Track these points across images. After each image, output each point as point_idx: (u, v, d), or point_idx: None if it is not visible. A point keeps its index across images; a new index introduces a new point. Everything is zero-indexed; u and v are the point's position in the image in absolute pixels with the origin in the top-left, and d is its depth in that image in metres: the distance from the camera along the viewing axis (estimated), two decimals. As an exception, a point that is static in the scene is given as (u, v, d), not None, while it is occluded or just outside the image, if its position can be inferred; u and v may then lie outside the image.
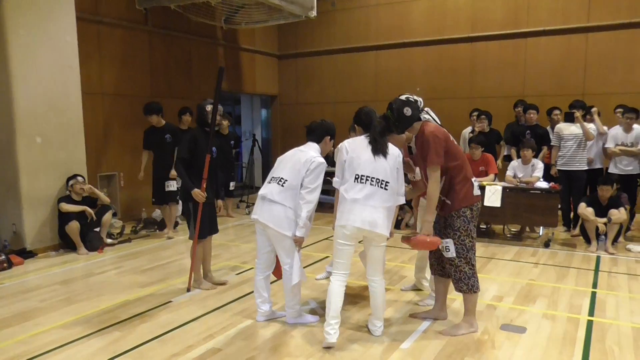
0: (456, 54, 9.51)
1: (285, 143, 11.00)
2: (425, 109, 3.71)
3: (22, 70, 5.81)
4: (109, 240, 6.49)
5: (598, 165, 6.99)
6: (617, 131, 6.81)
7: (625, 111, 6.82)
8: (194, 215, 4.55)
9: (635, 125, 6.71)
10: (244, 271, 5.33)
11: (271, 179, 3.76)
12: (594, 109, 6.78)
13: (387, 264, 4.72)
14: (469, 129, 7.84)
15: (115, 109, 7.83)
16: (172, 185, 6.82)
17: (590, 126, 6.70)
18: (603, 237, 6.12)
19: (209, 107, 4.55)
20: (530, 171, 6.54)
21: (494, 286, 4.79)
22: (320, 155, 3.73)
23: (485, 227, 7.12)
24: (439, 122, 3.73)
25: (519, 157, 6.79)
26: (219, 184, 4.92)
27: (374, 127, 3.56)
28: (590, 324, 3.89)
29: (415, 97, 3.65)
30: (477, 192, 3.62)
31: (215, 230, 4.85)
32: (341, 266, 3.52)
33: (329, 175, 3.79)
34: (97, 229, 6.30)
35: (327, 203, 5.13)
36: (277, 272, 3.97)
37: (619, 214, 5.97)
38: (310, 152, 3.71)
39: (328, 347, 3.44)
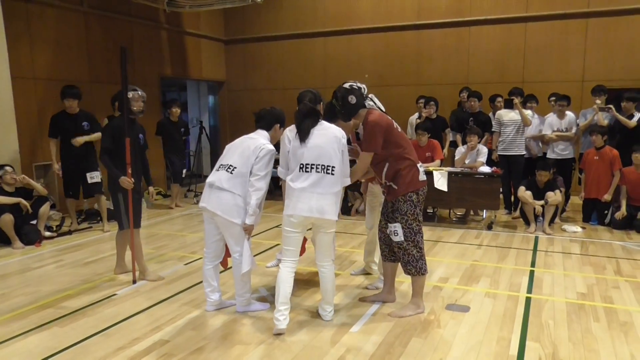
0: (402, 41, 9.64)
1: (233, 130, 10.83)
2: (370, 95, 3.75)
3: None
4: (47, 233, 6.18)
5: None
6: (552, 118, 7.19)
7: (558, 99, 7.23)
8: (125, 205, 4.43)
9: (567, 112, 7.10)
10: (192, 261, 5.23)
11: (219, 167, 3.69)
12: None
13: (337, 250, 4.78)
14: (416, 115, 8.01)
15: (49, 95, 7.38)
16: (97, 177, 6.55)
17: (528, 112, 7.01)
18: (541, 218, 6.45)
19: (131, 94, 4.40)
20: (475, 156, 6.76)
21: (440, 268, 4.94)
22: (269, 143, 3.70)
23: (432, 211, 7.33)
24: (383, 109, 3.79)
25: (464, 143, 7.00)
26: (149, 172, 4.85)
27: (298, 111, 3.53)
28: (528, 300, 4.10)
29: (359, 84, 3.68)
30: (422, 177, 3.71)
31: (139, 225, 4.62)
32: (290, 253, 3.53)
33: (278, 162, 3.77)
34: (34, 222, 5.99)
35: (277, 190, 5.11)
36: (224, 262, 3.93)
37: (555, 197, 6.29)
38: (259, 140, 3.67)
39: (278, 334, 3.44)
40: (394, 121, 3.70)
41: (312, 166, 3.42)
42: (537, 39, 8.74)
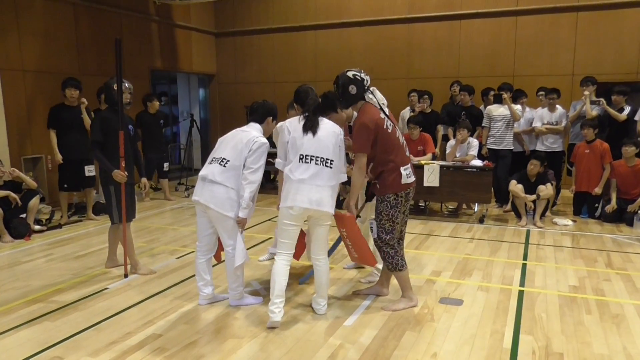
0: (393, 34, 9.61)
1: (224, 123, 10.76)
2: (371, 88, 3.73)
3: None
4: (37, 227, 6.10)
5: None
6: (542, 111, 7.24)
7: (547, 92, 7.26)
8: (117, 198, 4.39)
9: (558, 106, 7.14)
10: (184, 255, 5.20)
11: (212, 160, 3.66)
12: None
13: (330, 244, 4.77)
14: (408, 109, 8.00)
15: (39, 87, 7.29)
16: (93, 170, 6.51)
17: (517, 107, 7.04)
18: (532, 212, 6.49)
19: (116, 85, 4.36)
20: (466, 150, 6.78)
21: (433, 261, 4.96)
22: (262, 136, 3.67)
23: (424, 205, 7.34)
24: (385, 103, 3.78)
25: (455, 136, 7.01)
26: (141, 163, 4.80)
27: (307, 105, 3.58)
28: (521, 293, 4.12)
29: (363, 75, 3.65)
30: (406, 180, 3.63)
31: (134, 215, 4.65)
32: (285, 246, 3.51)
33: (270, 156, 3.74)
34: (23, 215, 5.91)
35: (268, 184, 5.08)
36: (218, 255, 3.91)
37: (546, 190, 6.34)
38: (252, 132, 3.64)
39: (272, 327, 3.43)
40: (387, 118, 3.64)
41: (312, 157, 3.42)
42: (528, 32, 8.76)
